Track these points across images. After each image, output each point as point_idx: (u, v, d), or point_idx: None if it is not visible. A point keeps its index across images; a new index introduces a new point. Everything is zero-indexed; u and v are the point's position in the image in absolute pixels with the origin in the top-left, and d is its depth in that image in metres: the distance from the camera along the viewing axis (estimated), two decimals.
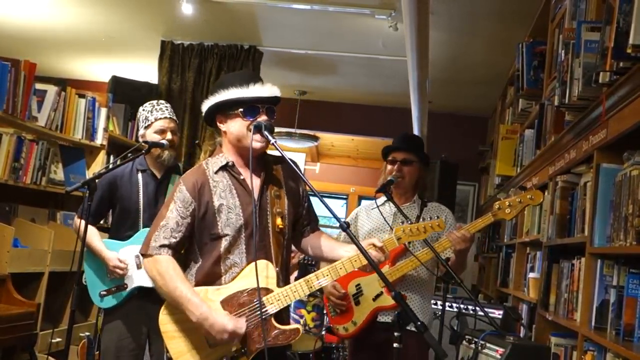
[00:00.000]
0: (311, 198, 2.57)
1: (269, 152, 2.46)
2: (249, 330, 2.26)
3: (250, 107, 2.35)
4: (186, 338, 2.29)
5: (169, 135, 3.22)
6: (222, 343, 2.23)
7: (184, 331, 2.29)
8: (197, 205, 2.34)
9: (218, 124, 2.43)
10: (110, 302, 3.15)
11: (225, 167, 2.40)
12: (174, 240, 2.32)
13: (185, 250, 2.44)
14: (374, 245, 2.31)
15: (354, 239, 2.20)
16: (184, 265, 2.41)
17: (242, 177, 2.38)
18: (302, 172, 2.53)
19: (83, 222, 2.91)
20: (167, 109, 3.28)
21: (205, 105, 2.43)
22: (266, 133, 2.30)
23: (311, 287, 2.31)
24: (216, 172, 2.40)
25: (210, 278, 2.33)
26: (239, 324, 2.23)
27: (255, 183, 2.38)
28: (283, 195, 2.44)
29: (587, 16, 2.94)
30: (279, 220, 2.37)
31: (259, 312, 2.26)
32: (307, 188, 2.47)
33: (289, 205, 2.45)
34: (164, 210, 2.36)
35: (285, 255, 2.43)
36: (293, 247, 2.60)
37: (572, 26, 3.03)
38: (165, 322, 2.32)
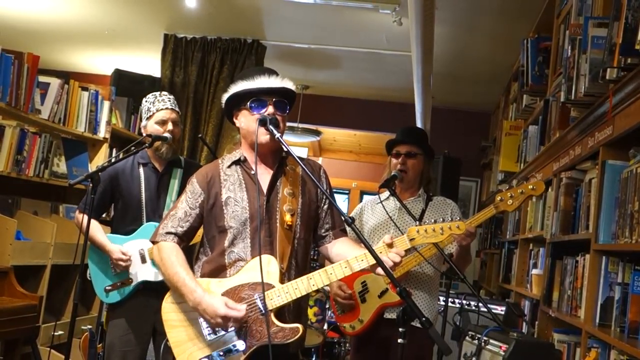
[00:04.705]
0: (335, 204, 2.40)
1: (295, 151, 2.41)
2: (247, 325, 2.23)
3: (257, 100, 2.33)
4: (186, 328, 2.29)
5: (169, 126, 3.19)
6: (219, 327, 2.21)
7: (185, 321, 2.29)
8: (206, 197, 2.38)
9: (234, 120, 2.44)
10: (115, 297, 3.15)
11: (238, 162, 2.41)
12: (180, 229, 2.38)
13: (199, 244, 2.47)
14: (385, 243, 2.21)
15: (358, 234, 2.18)
16: (196, 259, 2.45)
17: (253, 172, 2.36)
18: (324, 172, 2.50)
19: (86, 216, 2.93)
20: (169, 100, 3.26)
21: (222, 103, 2.46)
22: (271, 127, 2.27)
23: (313, 286, 2.24)
24: (229, 167, 2.41)
25: (215, 271, 2.34)
26: (235, 310, 2.19)
27: (265, 178, 2.38)
28: (298, 194, 2.40)
29: (593, 12, 2.93)
30: (287, 217, 2.33)
31: (258, 307, 2.23)
32: (328, 190, 2.44)
33: (303, 205, 2.40)
34: (176, 202, 2.44)
35: (297, 253, 2.36)
36: None
37: (579, 22, 3.02)
38: (167, 310, 2.33)
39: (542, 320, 3.35)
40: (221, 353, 2.21)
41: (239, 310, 2.20)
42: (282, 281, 2.27)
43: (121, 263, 3.10)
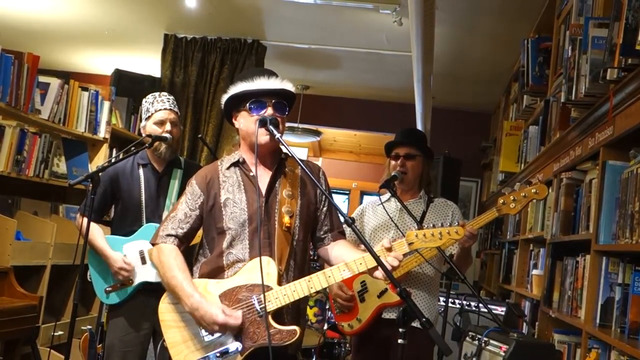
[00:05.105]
0: (335, 204, 2.40)
1: (295, 151, 2.40)
2: (244, 326, 2.22)
3: (256, 101, 2.33)
4: (183, 329, 2.28)
5: (168, 126, 3.18)
6: (216, 333, 2.21)
7: (181, 322, 2.29)
8: (205, 198, 2.38)
9: (233, 121, 2.43)
10: (115, 298, 3.14)
11: (237, 164, 2.41)
12: (181, 231, 2.37)
13: (198, 245, 2.47)
14: (383, 247, 2.21)
15: (359, 235, 2.18)
16: (195, 260, 2.44)
17: (252, 174, 2.36)
18: (323, 174, 2.49)
19: (85, 218, 2.92)
20: (168, 101, 3.25)
21: (222, 104, 2.45)
22: (271, 128, 2.27)
23: (311, 288, 2.23)
24: (228, 168, 2.41)
25: (213, 272, 2.33)
26: (233, 317, 2.19)
27: (264, 180, 2.37)
28: (297, 195, 2.40)
29: (594, 12, 2.93)
30: (286, 219, 2.32)
31: (255, 309, 2.22)
32: (327, 192, 2.43)
33: (302, 206, 2.40)
34: (176, 203, 2.44)
35: (296, 254, 2.36)
36: None
37: (579, 22, 3.02)
38: (164, 310, 2.32)
39: (543, 321, 3.35)
40: (218, 354, 2.20)
41: (236, 317, 2.20)
42: (279, 283, 2.25)
43: (123, 273, 3.09)
